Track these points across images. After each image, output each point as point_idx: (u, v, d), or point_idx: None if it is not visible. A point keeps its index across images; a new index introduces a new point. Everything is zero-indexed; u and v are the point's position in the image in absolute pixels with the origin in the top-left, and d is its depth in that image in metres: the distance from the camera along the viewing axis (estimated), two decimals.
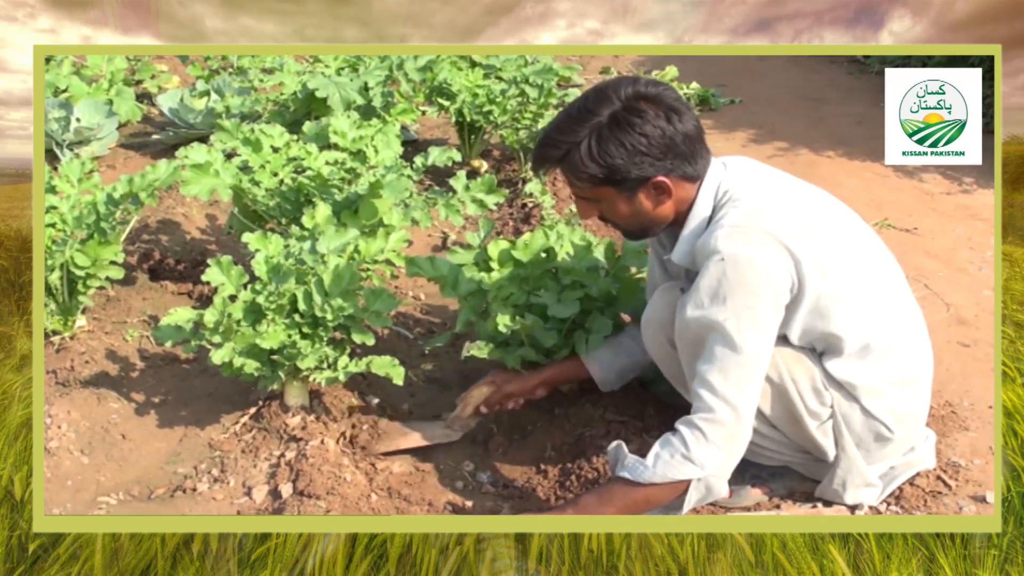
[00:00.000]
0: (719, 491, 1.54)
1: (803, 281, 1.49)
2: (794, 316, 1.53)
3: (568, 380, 2.01)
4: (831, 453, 1.65)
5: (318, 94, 3.29)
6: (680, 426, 1.51)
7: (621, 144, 1.49)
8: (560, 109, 3.40)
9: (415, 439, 1.99)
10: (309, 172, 2.44)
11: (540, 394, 1.98)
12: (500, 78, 3.72)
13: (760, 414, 1.58)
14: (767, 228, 1.48)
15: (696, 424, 1.48)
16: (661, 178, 1.52)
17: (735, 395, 1.47)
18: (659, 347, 1.75)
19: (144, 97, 4.34)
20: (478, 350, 1.93)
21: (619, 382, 1.96)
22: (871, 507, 1.70)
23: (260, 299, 1.88)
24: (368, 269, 2.09)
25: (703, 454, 1.48)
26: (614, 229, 1.70)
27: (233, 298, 1.91)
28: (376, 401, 2.15)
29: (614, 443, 1.59)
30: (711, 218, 1.55)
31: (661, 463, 1.49)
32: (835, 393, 1.60)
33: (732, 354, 1.47)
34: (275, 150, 2.53)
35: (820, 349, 1.60)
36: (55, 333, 2.35)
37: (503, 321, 1.90)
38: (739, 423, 1.49)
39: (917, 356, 1.65)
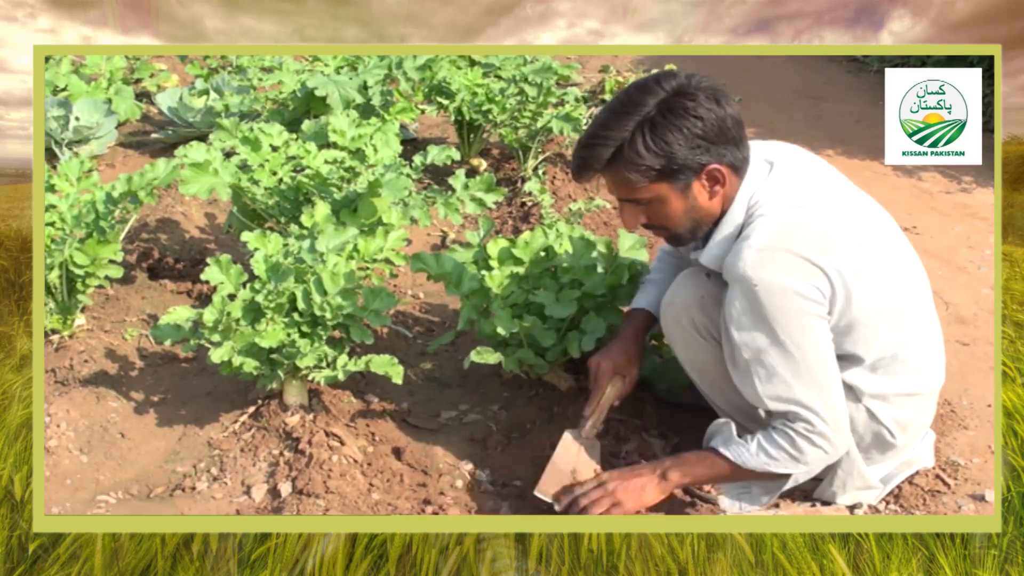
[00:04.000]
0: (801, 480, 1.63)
1: (834, 300, 1.49)
2: None
3: (649, 329, 1.88)
4: None
5: (317, 93, 3.29)
6: (784, 427, 1.55)
7: (678, 129, 1.45)
8: (559, 107, 3.45)
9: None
10: (308, 171, 2.44)
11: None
12: (499, 77, 3.72)
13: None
14: (793, 248, 1.46)
15: (799, 432, 1.53)
16: (716, 165, 1.49)
17: (815, 400, 1.51)
18: (679, 329, 1.73)
19: (143, 96, 4.34)
20: (478, 355, 1.90)
21: None
22: (870, 506, 1.70)
23: (259, 298, 1.88)
24: (367, 268, 2.09)
25: (810, 456, 1.54)
26: (657, 237, 1.66)
27: (232, 297, 1.91)
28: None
29: (722, 419, 1.65)
30: (743, 225, 1.54)
31: (764, 455, 1.56)
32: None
33: (797, 365, 1.49)
34: (274, 149, 2.53)
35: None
36: (54, 332, 2.34)
37: (503, 324, 1.89)
38: (835, 428, 1.54)
39: (930, 371, 1.66)
